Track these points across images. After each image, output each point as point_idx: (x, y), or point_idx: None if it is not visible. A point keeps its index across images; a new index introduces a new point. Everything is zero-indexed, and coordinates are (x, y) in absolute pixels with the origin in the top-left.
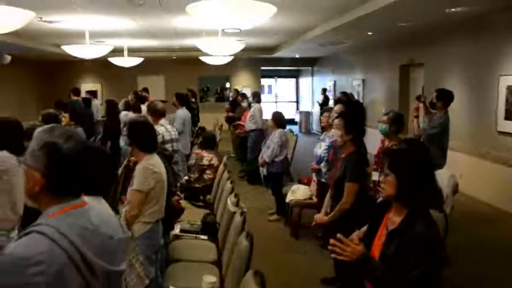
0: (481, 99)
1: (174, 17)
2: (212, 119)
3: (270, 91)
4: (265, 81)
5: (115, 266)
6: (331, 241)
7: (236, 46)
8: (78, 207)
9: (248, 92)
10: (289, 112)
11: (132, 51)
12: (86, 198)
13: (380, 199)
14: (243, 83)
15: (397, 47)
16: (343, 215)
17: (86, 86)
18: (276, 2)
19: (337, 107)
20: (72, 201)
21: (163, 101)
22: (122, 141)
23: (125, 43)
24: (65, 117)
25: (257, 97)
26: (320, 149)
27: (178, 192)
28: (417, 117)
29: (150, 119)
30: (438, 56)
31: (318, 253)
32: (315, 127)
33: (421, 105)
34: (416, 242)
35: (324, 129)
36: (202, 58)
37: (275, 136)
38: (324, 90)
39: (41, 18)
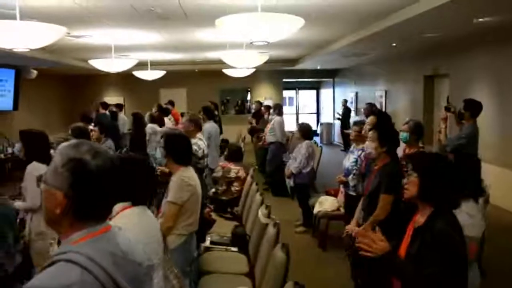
0: (510, 110)
1: (198, 30)
2: (233, 131)
3: (291, 103)
4: (286, 93)
5: None
6: (358, 235)
7: (260, 58)
8: (104, 232)
9: (269, 103)
10: (310, 124)
11: (155, 64)
12: (134, 209)
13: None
14: (264, 95)
15: (421, 58)
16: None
17: (109, 99)
18: (302, 14)
19: (370, 119)
20: (98, 225)
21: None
22: (159, 153)
23: (149, 56)
24: (95, 131)
25: (278, 109)
26: (348, 161)
27: (209, 204)
28: (444, 127)
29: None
30: (464, 66)
31: (347, 264)
32: (336, 139)
33: (449, 115)
34: (436, 240)
35: (349, 142)
36: (225, 71)
37: (302, 148)
38: (345, 101)
39: (69, 33)
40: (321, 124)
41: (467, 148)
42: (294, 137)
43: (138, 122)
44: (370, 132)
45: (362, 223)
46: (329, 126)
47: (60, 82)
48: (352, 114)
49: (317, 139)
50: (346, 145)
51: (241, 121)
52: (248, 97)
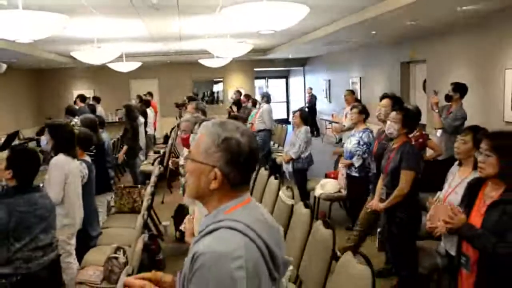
0: (487, 92)
1: (184, 20)
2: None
3: (261, 92)
4: (256, 83)
5: (285, 257)
6: (446, 209)
7: (244, 48)
8: (250, 201)
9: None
10: (280, 113)
11: (128, 56)
12: None
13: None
14: (236, 85)
15: (397, 44)
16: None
17: (79, 92)
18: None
19: (385, 102)
20: (245, 195)
21: (179, 105)
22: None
23: (124, 48)
24: None
25: (266, 97)
26: (350, 144)
27: None
28: (438, 111)
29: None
30: (441, 52)
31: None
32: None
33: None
34: None
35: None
36: (201, 61)
37: (301, 133)
38: (310, 89)
39: None
40: (294, 112)
41: (461, 129)
42: (295, 123)
43: (130, 113)
44: (394, 113)
45: (386, 199)
46: None
47: (29, 75)
48: (326, 99)
49: (289, 127)
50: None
51: (212, 110)
52: (215, 88)
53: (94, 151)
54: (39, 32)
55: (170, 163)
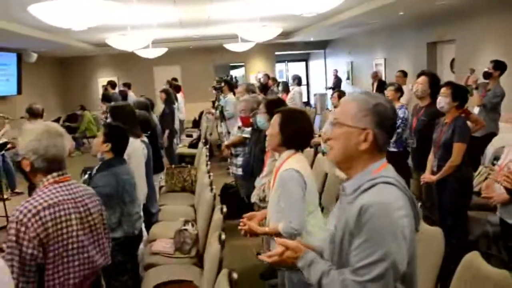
0: None
1: (215, 4)
2: None
3: (281, 76)
4: (276, 66)
5: None
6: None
7: (273, 31)
8: (387, 163)
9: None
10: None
11: (153, 42)
12: (301, 154)
13: None
14: (258, 69)
15: (424, 25)
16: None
17: (103, 80)
18: None
19: (421, 79)
20: (384, 157)
21: (217, 88)
22: (262, 119)
23: (154, 34)
24: None
25: (297, 80)
26: None
27: None
28: (476, 88)
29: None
30: (470, 31)
31: None
32: (330, 108)
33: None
34: None
35: None
36: (226, 46)
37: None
38: (336, 72)
39: None
40: (315, 94)
41: (499, 106)
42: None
43: (169, 98)
44: (443, 88)
45: (437, 171)
46: (322, 96)
47: (55, 64)
48: (348, 81)
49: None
50: None
51: None
52: (232, 73)
53: (149, 132)
54: (93, 19)
55: (224, 148)
